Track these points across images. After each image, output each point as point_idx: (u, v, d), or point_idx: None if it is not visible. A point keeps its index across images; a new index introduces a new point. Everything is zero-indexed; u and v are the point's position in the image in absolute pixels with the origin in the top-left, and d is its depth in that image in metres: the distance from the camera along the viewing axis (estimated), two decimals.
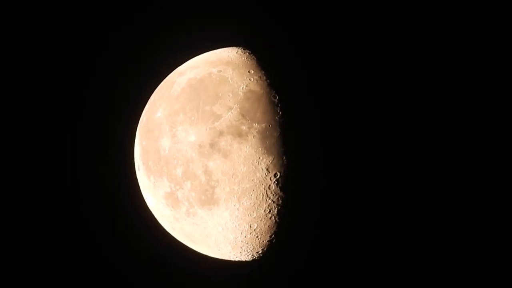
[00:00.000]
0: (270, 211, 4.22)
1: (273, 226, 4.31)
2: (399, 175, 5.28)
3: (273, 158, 4.10)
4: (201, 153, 4.14)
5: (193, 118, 4.21)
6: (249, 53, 4.58)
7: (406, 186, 5.51)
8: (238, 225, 4.28)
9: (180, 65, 4.88)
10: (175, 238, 4.89)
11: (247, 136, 4.09)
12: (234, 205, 4.18)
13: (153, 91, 4.87)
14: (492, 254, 5.78)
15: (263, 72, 4.34)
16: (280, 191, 4.16)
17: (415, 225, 5.79)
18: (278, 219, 4.27)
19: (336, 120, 4.41)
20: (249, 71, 4.34)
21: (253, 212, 4.21)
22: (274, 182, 4.14)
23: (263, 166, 4.10)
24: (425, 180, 5.69)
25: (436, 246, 5.85)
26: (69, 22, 5.76)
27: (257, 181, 4.12)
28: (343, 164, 4.43)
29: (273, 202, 4.19)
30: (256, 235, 4.37)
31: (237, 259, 4.75)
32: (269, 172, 4.11)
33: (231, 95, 4.18)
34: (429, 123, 5.76)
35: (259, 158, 4.09)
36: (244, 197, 4.15)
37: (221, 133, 4.11)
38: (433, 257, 5.86)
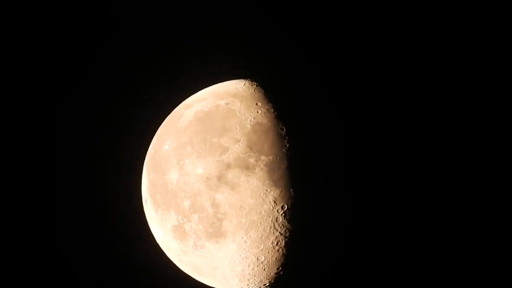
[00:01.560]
0: (277, 243, 4.20)
1: (281, 259, 4.29)
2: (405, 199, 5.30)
3: (281, 191, 4.08)
4: (208, 186, 4.12)
5: (200, 150, 4.20)
6: (256, 85, 4.60)
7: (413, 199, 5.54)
8: (245, 257, 4.26)
9: (187, 97, 4.89)
10: (182, 271, 4.85)
11: (255, 168, 4.07)
12: (242, 238, 4.15)
13: (161, 124, 4.87)
14: (492, 254, 5.78)
15: (270, 104, 4.35)
16: (287, 223, 4.14)
17: (420, 232, 5.81)
18: (285, 251, 4.25)
19: (341, 153, 4.42)
20: (256, 104, 4.34)
21: (261, 244, 4.19)
22: (282, 214, 4.12)
23: (271, 198, 4.08)
24: (425, 184, 5.69)
25: (436, 246, 5.85)
26: (77, 49, 5.77)
27: (265, 214, 4.09)
28: (349, 195, 4.43)
29: (281, 234, 4.17)
30: (263, 268, 4.33)
31: None
32: (276, 205, 4.09)
33: (238, 127, 4.18)
34: (427, 129, 5.80)
35: (267, 190, 4.07)
36: (251, 229, 4.13)
37: (228, 166, 4.10)
38: (434, 257, 5.86)
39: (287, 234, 4.18)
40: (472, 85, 5.84)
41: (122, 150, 5.61)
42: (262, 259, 4.27)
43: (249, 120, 4.22)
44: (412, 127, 5.74)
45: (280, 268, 4.36)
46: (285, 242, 4.21)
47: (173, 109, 4.85)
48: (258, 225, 4.12)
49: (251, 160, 4.09)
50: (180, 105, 4.82)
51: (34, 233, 5.66)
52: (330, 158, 4.33)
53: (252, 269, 4.34)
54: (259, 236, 4.16)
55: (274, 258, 4.27)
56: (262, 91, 4.52)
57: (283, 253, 4.26)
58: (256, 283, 4.51)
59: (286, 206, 4.12)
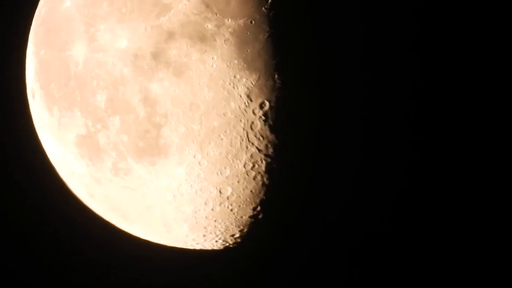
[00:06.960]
0: (253, 166, 3.09)
1: (259, 192, 3.15)
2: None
3: (258, 77, 2.93)
4: (138, 69, 2.95)
5: (124, 10, 3.06)
6: None
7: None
8: (201, 189, 3.13)
9: None
10: (94, 212, 3.77)
11: (215, 40, 2.93)
12: (194, 157, 3.02)
13: None
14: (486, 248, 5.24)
15: None
16: (269, 132, 3.00)
17: None
18: (267, 179, 3.10)
19: (354, 20, 3.02)
20: None
21: (226, 168, 3.06)
22: (260, 117, 2.98)
23: (242, 90, 2.95)
24: None
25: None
26: None
27: (232, 116, 3.00)
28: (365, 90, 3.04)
29: (259, 151, 3.05)
30: (230, 208, 3.24)
31: (198, 248, 3.61)
32: (251, 101, 2.95)
33: None
34: None
35: (235, 76, 2.94)
36: (210, 143, 3.00)
37: (171, 35, 2.97)
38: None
39: (270, 151, 3.04)
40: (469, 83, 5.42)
41: None
42: (229, 193, 3.17)
43: None
44: None
45: (258, 208, 3.21)
46: (266, 163, 3.06)
47: None
48: (222, 136, 3.01)
49: (209, 26, 2.93)
50: None
51: None
52: (342, 23, 2.96)
53: (212, 210, 3.22)
54: (224, 155, 3.05)
55: (248, 191, 3.16)
56: None
57: (262, 183, 3.13)
58: (218, 233, 3.37)
59: (267, 103, 2.96)
